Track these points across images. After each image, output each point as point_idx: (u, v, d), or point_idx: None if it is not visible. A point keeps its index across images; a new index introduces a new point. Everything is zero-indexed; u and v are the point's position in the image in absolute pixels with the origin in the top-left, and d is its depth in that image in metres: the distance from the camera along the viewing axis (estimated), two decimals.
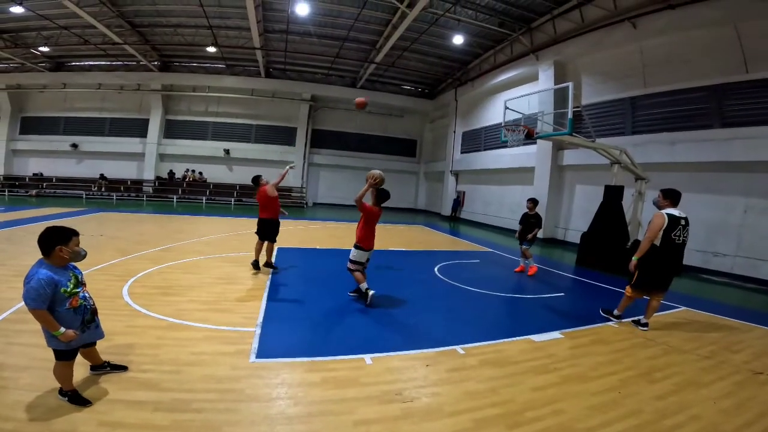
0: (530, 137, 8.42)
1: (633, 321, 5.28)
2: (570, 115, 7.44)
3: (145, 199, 20.75)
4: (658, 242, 4.71)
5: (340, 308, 5.18)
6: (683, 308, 6.32)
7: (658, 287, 4.98)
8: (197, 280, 5.94)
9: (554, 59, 13.40)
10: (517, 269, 8.46)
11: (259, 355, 3.51)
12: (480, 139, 19.26)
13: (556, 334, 4.70)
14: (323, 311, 4.99)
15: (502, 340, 4.37)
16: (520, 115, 9.88)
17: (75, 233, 2.63)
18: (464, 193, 20.97)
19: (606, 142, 10.62)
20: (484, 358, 3.84)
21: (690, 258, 10.08)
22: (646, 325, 5.09)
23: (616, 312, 5.39)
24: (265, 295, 5.47)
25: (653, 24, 10.55)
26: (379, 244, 10.71)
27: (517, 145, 8.77)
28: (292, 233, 11.95)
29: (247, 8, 14.04)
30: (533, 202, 7.98)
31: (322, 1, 14.28)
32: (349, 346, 3.90)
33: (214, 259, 7.52)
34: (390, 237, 12.52)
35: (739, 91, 9.40)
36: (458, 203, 20.93)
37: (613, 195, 9.39)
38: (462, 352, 3.95)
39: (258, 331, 4.10)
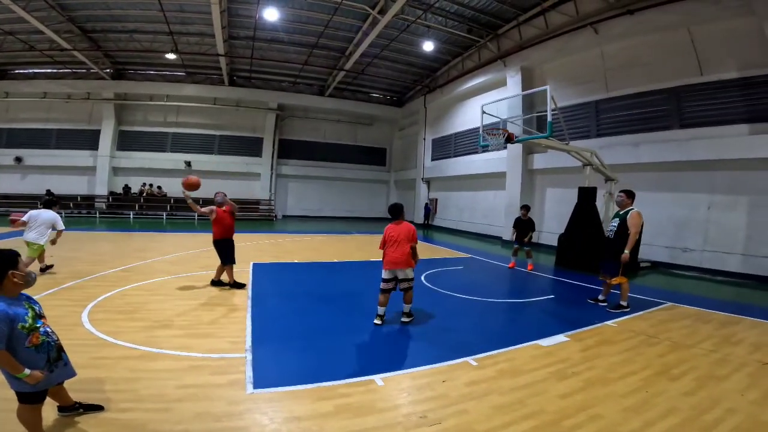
0: (510, 141, 8.44)
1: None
2: (549, 118, 7.52)
3: (98, 215, 19.21)
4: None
5: (331, 325, 4.80)
6: (668, 303, 6.42)
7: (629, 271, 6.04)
8: (168, 303, 5.33)
9: (521, 65, 13.75)
10: (509, 265, 9.14)
11: (257, 385, 3.06)
12: (450, 146, 19.43)
13: (561, 338, 4.57)
14: (314, 330, 4.57)
15: (510, 348, 4.17)
16: (498, 120, 9.93)
17: (18, 254, 2.19)
18: (436, 200, 21.02)
19: (573, 145, 10.92)
20: (499, 368, 3.60)
21: (659, 254, 10.57)
22: (627, 306, 5.79)
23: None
24: (248, 315, 4.96)
25: (614, 29, 11.03)
26: (358, 255, 10.34)
27: (498, 150, 8.78)
28: (264, 248, 11.32)
29: (213, 14, 13.41)
30: (526, 208, 8.98)
31: (291, 6, 13.93)
32: (354, 368, 3.55)
33: (183, 278, 6.86)
34: (367, 247, 12.21)
35: (695, 93, 9.96)
36: (429, 210, 20.95)
37: (586, 196, 9.58)
38: (475, 363, 3.70)
39: (249, 357, 3.64)
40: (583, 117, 12.56)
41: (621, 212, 5.81)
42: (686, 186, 10.13)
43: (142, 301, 5.35)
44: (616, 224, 5.77)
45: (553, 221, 13.63)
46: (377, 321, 4.77)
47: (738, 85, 9.23)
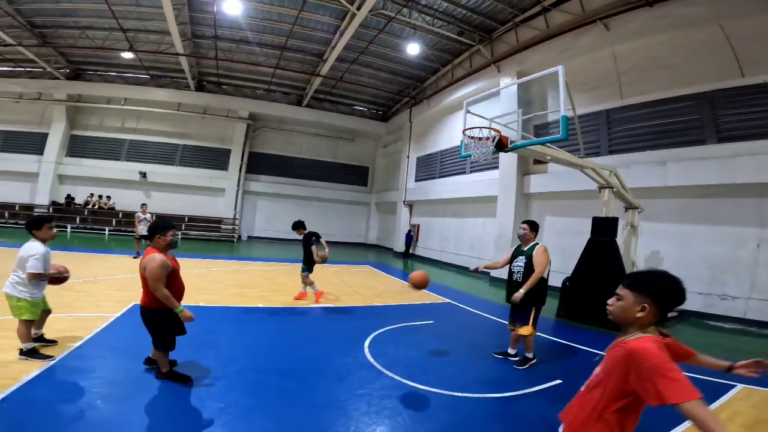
0: (502, 148, 6.15)
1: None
2: (563, 111, 5.28)
3: None
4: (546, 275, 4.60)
5: None
6: (740, 386, 4.07)
7: None
8: None
9: (517, 69, 11.73)
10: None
11: None
12: (436, 165, 17.23)
13: None
14: None
15: None
16: (487, 120, 7.68)
17: None
18: (418, 226, 18.63)
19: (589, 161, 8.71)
20: None
21: (690, 301, 8.15)
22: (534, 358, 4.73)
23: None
24: None
25: (627, 25, 9.07)
26: (323, 298, 7.49)
27: (484, 160, 6.49)
28: (215, 282, 8.65)
29: (164, 6, 11.50)
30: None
31: (257, 0, 12.09)
32: None
33: None
34: (335, 278, 9.87)
35: (735, 99, 7.86)
36: (411, 238, 18.49)
37: (604, 229, 7.25)
38: None
39: None
40: (591, 130, 10.35)
41: (525, 248, 4.70)
42: (727, 216, 7.87)
43: None
44: (522, 263, 4.65)
45: (552, 257, 11.22)
46: None
47: None
